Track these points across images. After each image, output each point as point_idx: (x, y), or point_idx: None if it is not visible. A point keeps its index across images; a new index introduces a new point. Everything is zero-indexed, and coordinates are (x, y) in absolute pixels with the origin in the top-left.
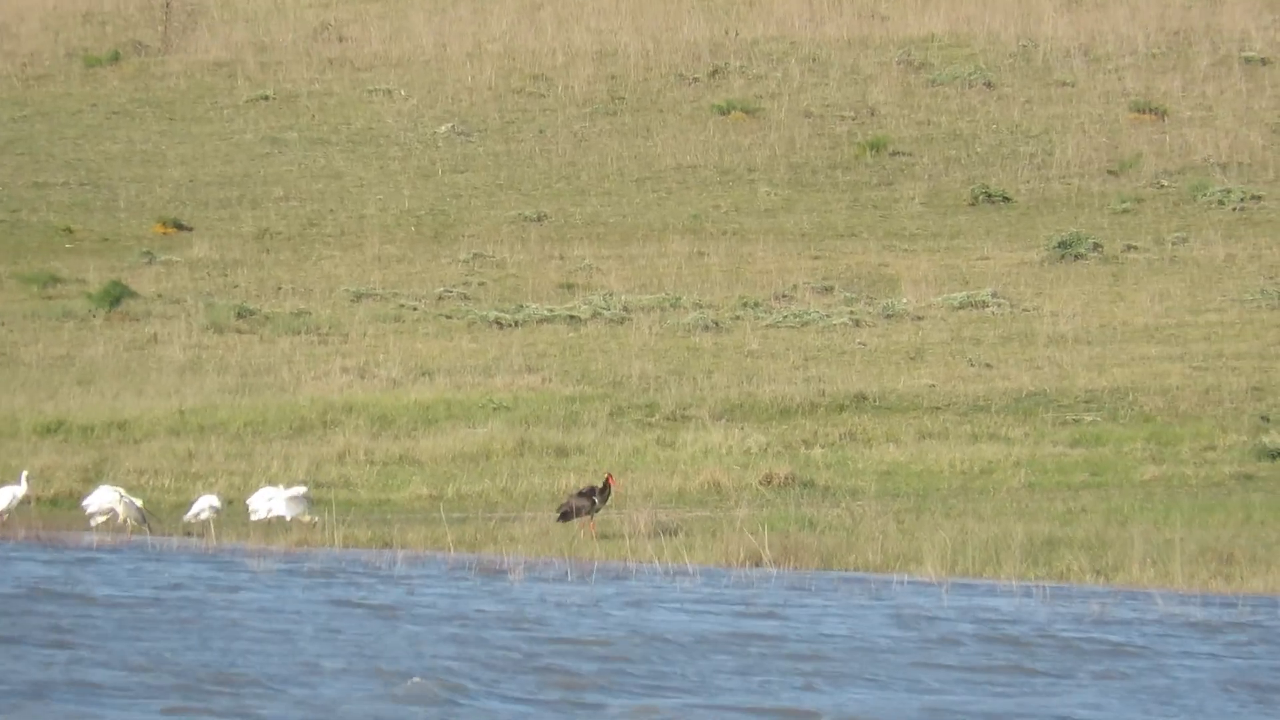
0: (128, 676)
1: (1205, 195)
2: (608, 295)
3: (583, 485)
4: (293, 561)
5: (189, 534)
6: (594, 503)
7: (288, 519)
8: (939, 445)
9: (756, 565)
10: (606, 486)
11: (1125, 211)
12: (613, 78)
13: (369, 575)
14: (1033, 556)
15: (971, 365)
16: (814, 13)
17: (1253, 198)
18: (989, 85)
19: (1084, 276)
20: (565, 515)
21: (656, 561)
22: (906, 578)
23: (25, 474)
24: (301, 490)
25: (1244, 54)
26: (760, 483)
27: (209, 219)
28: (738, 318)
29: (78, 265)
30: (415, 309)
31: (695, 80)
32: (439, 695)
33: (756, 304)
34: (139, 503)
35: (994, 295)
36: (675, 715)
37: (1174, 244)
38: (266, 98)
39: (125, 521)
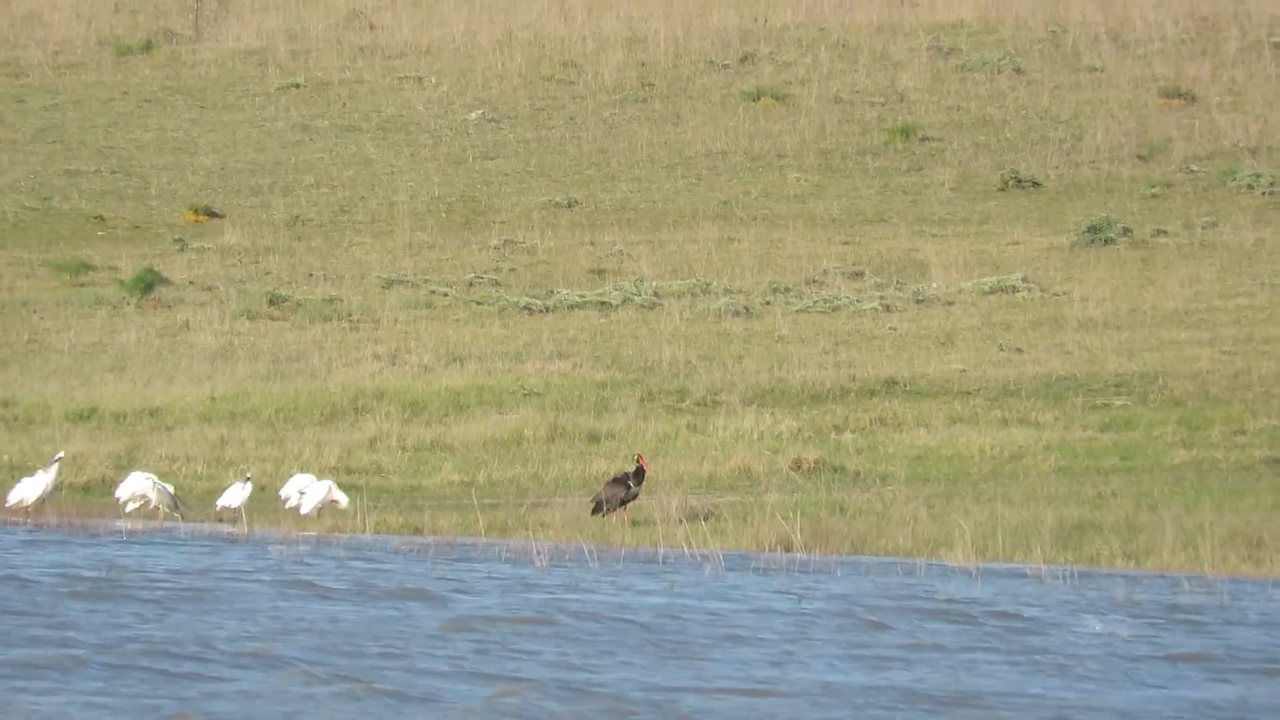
0: None
1: (1235, 180)
2: (638, 281)
3: (614, 472)
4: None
5: (221, 520)
6: (629, 488)
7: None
8: (969, 430)
9: (787, 550)
10: (640, 470)
11: (1155, 196)
12: (643, 64)
13: None
14: (1063, 541)
15: (1001, 350)
16: None
17: None
18: (1018, 71)
19: (1113, 261)
20: (599, 507)
21: (686, 548)
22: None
23: (60, 456)
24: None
25: (1273, 39)
26: (790, 468)
27: (240, 206)
28: (768, 303)
29: (110, 253)
30: (446, 295)
31: (725, 67)
32: None
33: (787, 289)
34: (171, 489)
35: (1024, 280)
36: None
37: (1203, 228)
38: (298, 85)
39: (157, 508)
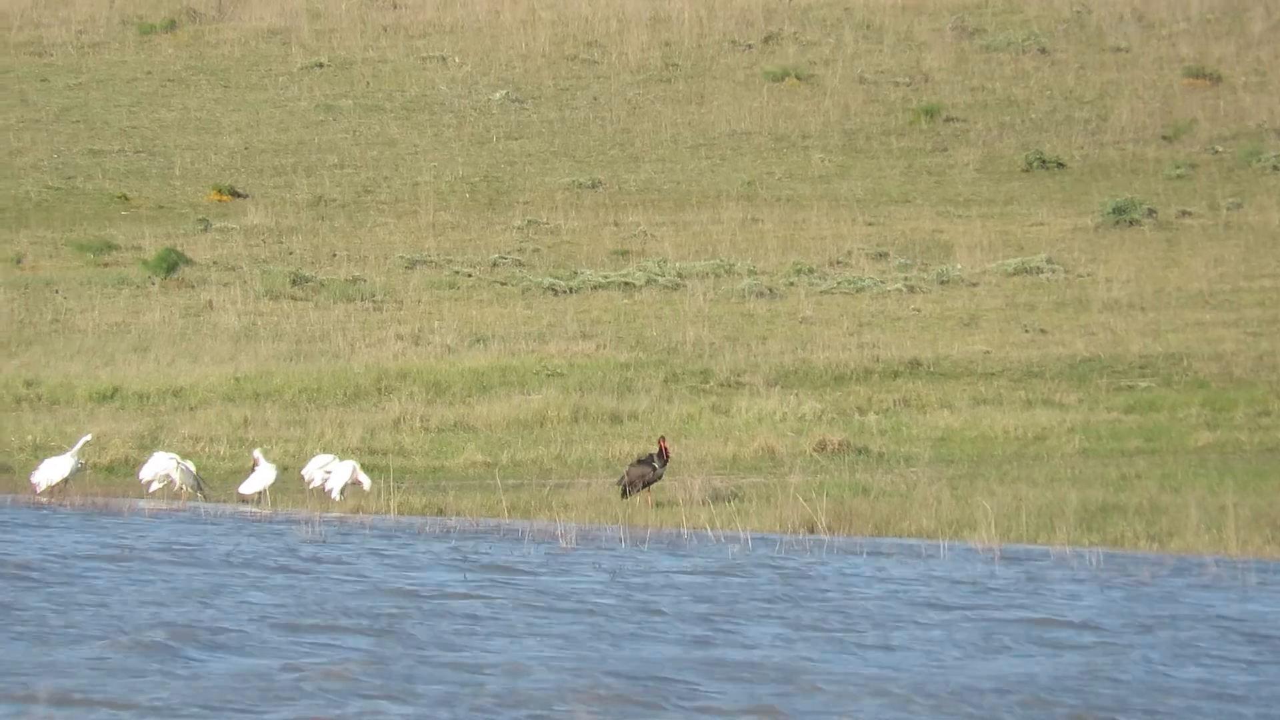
0: None
1: (1260, 161)
2: (662, 262)
3: (638, 453)
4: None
5: (244, 503)
6: (654, 468)
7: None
8: (993, 411)
9: (810, 532)
10: (662, 451)
11: (1179, 177)
12: (666, 44)
13: None
14: (1087, 523)
15: (1026, 331)
16: None
17: None
18: (1043, 51)
19: (1138, 242)
20: (626, 489)
21: (709, 529)
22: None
23: (88, 438)
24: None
25: None
26: (814, 449)
27: (264, 186)
28: (792, 284)
29: (133, 232)
30: (469, 276)
31: (749, 46)
32: None
33: (811, 270)
34: (194, 469)
35: (1048, 261)
36: None
37: (1228, 209)
38: (321, 65)
39: (181, 488)
